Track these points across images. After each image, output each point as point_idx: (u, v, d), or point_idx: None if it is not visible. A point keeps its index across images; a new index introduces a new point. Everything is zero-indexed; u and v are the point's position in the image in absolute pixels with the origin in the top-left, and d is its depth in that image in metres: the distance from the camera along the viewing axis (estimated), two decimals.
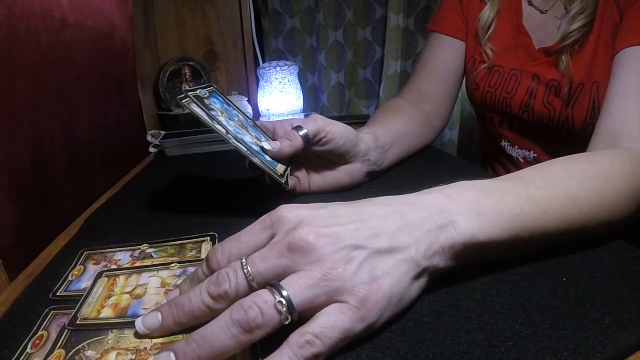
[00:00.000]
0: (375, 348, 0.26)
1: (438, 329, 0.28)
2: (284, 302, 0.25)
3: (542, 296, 0.30)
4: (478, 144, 1.00)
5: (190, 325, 0.27)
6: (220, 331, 0.25)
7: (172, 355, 0.25)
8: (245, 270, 0.27)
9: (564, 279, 0.32)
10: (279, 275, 0.26)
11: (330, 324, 0.25)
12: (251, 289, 0.27)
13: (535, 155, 0.71)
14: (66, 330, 0.29)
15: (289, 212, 0.29)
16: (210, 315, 0.26)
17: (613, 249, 0.36)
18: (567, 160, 0.39)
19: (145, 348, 0.27)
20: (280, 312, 0.25)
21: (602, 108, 0.52)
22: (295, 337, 0.25)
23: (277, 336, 0.27)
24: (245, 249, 0.29)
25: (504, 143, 0.75)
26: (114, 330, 0.29)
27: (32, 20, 0.47)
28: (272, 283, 0.26)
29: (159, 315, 0.28)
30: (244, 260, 0.27)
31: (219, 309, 0.27)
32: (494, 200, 0.32)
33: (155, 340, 0.28)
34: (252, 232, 0.30)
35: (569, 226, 0.34)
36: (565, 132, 0.64)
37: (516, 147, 0.73)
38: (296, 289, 0.25)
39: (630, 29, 0.53)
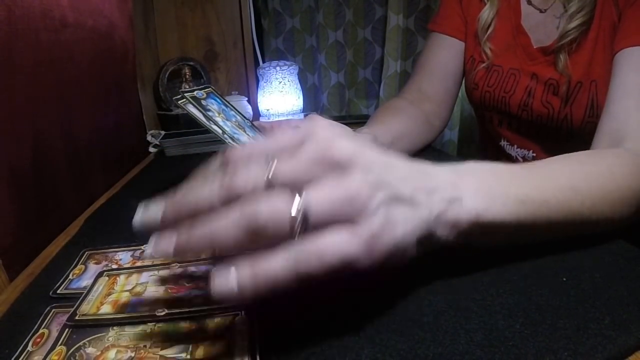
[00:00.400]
0: (375, 348, 0.26)
1: (438, 329, 0.28)
2: (302, 209, 0.23)
3: (542, 296, 0.30)
4: (478, 144, 1.00)
5: (191, 219, 0.24)
6: (225, 219, 0.23)
7: (170, 241, 0.24)
8: (270, 170, 0.24)
9: (564, 279, 0.32)
10: (305, 182, 0.24)
11: (336, 245, 0.23)
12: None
13: (534, 154, 0.71)
14: (67, 329, 0.29)
15: (323, 127, 0.27)
16: (215, 208, 0.24)
17: (613, 249, 0.36)
18: (572, 156, 0.39)
19: (144, 346, 0.27)
20: (295, 220, 0.23)
21: (604, 109, 0.52)
22: (297, 248, 0.23)
23: (278, 337, 0.28)
24: (272, 148, 0.26)
25: (503, 142, 0.75)
26: (114, 328, 0.29)
27: (32, 20, 0.47)
28: (298, 187, 0.24)
29: (162, 205, 0.26)
30: (269, 156, 0.25)
31: (227, 202, 0.24)
32: (502, 183, 0.32)
33: (155, 339, 0.28)
34: (280, 137, 0.27)
35: (572, 218, 0.34)
36: (564, 130, 0.64)
37: (515, 146, 0.73)
38: (318, 198, 0.23)
39: (629, 29, 0.53)
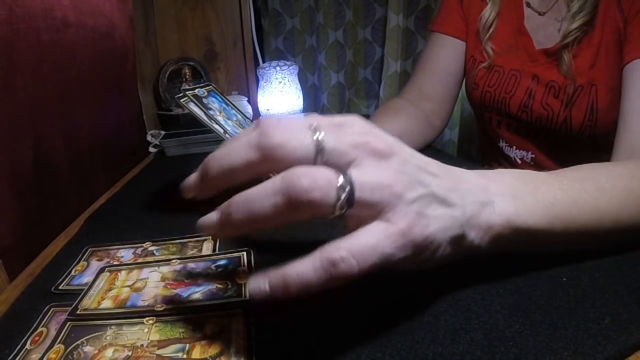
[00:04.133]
0: (375, 348, 0.26)
1: (438, 329, 0.28)
2: (347, 188, 0.22)
3: (542, 296, 0.30)
4: (478, 144, 1.00)
5: (228, 183, 0.24)
6: (263, 195, 0.22)
7: (215, 214, 0.24)
8: (317, 137, 0.22)
9: (564, 279, 0.32)
10: (348, 163, 0.24)
11: (372, 244, 0.23)
12: (313, 161, 0.23)
13: (533, 155, 0.71)
14: (66, 327, 0.29)
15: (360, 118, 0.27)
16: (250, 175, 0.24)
17: (613, 249, 0.36)
18: (594, 164, 0.39)
19: (142, 345, 0.27)
20: (339, 198, 0.22)
21: (620, 123, 0.52)
22: (330, 250, 0.22)
23: (276, 336, 0.28)
24: (314, 122, 0.25)
25: (502, 144, 0.75)
26: (112, 327, 0.29)
27: (33, 19, 0.47)
28: (340, 165, 0.23)
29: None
30: (315, 124, 0.23)
31: (264, 168, 0.23)
32: (530, 188, 0.32)
33: (152, 338, 0.28)
34: (319, 116, 0.25)
35: (600, 217, 0.33)
36: (563, 133, 0.64)
37: (514, 147, 0.73)
38: (362, 178, 0.23)
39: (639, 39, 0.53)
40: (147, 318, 0.30)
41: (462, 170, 0.31)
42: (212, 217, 0.25)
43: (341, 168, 0.23)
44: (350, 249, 0.22)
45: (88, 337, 0.28)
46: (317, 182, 0.21)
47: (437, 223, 0.26)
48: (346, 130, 0.24)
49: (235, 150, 0.23)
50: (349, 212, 0.23)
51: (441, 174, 0.28)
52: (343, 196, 0.22)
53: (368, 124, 0.26)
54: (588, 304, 0.29)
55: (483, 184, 0.30)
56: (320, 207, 0.22)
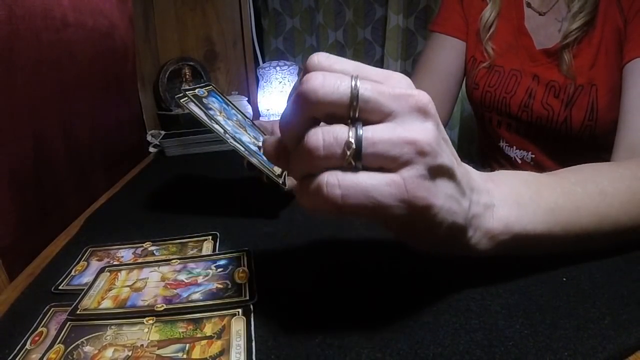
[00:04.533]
0: (375, 348, 0.26)
1: (438, 329, 0.28)
2: (353, 146, 0.22)
3: (542, 296, 0.30)
4: (478, 144, 1.00)
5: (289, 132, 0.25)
6: (296, 154, 0.24)
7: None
8: (353, 84, 0.22)
9: (564, 279, 0.32)
10: (381, 114, 0.23)
11: (367, 186, 0.22)
12: (347, 109, 0.23)
13: (533, 155, 0.71)
14: (66, 327, 0.29)
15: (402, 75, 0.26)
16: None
17: (613, 249, 0.36)
18: (597, 164, 0.39)
19: (142, 345, 0.27)
20: (344, 154, 0.22)
21: (620, 121, 0.52)
22: (325, 173, 0.23)
23: (276, 336, 0.28)
24: (355, 70, 0.24)
25: (502, 144, 0.75)
26: (112, 327, 0.29)
27: (33, 19, 0.47)
28: (355, 124, 0.23)
29: None
30: (355, 74, 0.23)
31: (307, 114, 0.23)
32: (532, 192, 0.31)
33: (152, 338, 0.28)
34: (363, 65, 0.25)
35: (601, 220, 0.33)
36: (564, 133, 0.64)
37: (514, 147, 0.73)
38: (383, 136, 0.22)
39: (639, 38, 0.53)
40: (147, 318, 0.30)
41: (468, 167, 0.30)
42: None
43: (377, 120, 0.23)
44: (342, 179, 0.22)
45: (88, 337, 0.28)
46: (325, 140, 0.22)
47: (445, 200, 0.25)
48: (391, 82, 0.24)
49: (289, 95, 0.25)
50: (367, 163, 0.23)
51: (459, 162, 0.27)
52: (349, 153, 0.22)
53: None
54: (588, 304, 0.29)
55: (486, 186, 0.30)
56: (328, 161, 0.23)
